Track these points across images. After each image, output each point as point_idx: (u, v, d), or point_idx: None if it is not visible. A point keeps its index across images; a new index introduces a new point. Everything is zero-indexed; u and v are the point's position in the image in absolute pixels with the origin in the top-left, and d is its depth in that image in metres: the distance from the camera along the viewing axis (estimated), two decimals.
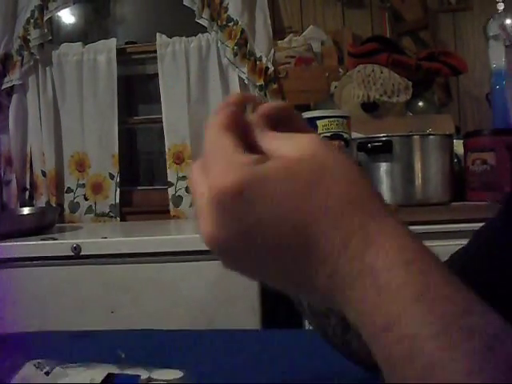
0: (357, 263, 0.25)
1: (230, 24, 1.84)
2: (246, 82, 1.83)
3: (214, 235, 0.27)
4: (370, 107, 1.60)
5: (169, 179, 1.90)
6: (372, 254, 0.25)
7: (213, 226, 0.27)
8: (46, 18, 1.91)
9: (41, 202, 1.94)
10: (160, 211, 1.91)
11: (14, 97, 1.96)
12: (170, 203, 1.89)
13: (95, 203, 1.94)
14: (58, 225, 1.69)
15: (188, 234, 1.40)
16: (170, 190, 1.90)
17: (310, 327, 0.57)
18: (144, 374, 0.53)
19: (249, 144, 0.30)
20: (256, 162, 0.27)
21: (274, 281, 0.29)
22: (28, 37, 1.90)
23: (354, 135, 1.40)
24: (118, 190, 1.93)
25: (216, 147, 0.29)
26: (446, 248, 1.34)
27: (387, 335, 0.24)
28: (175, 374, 0.54)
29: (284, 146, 0.28)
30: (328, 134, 1.37)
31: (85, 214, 1.94)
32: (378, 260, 0.25)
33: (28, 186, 1.98)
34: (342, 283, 0.26)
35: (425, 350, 0.22)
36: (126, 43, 2.02)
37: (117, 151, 1.92)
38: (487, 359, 0.22)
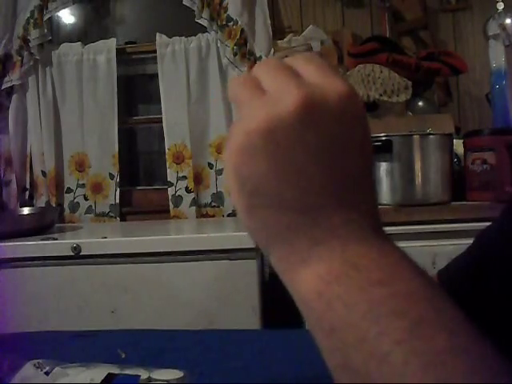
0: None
1: (229, 24, 1.84)
2: None
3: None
4: (370, 107, 1.60)
5: (169, 179, 1.90)
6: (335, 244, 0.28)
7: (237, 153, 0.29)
8: (45, 18, 1.91)
9: (41, 201, 1.95)
10: (160, 211, 1.92)
11: (14, 97, 1.96)
12: (170, 203, 1.90)
13: (95, 203, 1.94)
14: (57, 225, 1.69)
15: (188, 234, 1.40)
16: (169, 189, 1.90)
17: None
18: (144, 374, 0.53)
19: None
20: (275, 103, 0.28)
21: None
22: (28, 37, 1.91)
23: None
24: (118, 189, 1.93)
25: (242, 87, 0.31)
26: (445, 247, 1.34)
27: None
28: (175, 374, 0.54)
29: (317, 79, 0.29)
30: None
31: (85, 213, 1.95)
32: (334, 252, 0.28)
33: (28, 186, 1.98)
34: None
35: (357, 324, 0.25)
36: (126, 43, 2.02)
37: (117, 151, 1.92)
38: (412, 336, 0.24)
